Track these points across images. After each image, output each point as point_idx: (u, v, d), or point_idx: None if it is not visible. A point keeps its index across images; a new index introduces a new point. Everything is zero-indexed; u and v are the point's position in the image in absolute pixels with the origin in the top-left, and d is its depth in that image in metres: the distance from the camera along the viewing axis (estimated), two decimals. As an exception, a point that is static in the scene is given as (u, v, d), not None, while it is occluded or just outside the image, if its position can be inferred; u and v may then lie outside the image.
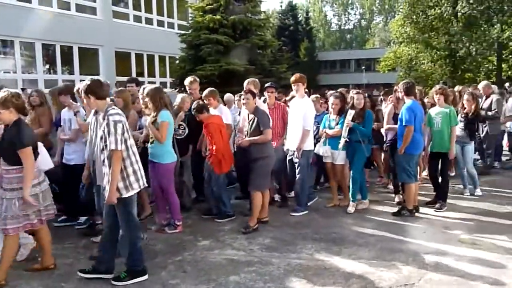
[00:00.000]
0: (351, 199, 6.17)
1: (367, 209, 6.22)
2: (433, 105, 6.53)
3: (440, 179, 6.34)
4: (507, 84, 8.85)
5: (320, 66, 49.40)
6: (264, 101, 6.39)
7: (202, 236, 5.19)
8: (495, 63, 31.21)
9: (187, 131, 6.09)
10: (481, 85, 8.75)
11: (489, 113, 8.16)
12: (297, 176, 6.08)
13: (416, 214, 5.91)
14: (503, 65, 31.36)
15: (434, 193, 6.41)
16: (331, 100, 6.50)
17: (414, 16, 31.23)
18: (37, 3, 15.65)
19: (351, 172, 6.17)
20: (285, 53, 26.85)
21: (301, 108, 5.98)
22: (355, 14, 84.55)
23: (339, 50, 66.77)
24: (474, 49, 28.83)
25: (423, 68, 32.41)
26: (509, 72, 31.77)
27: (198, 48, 15.90)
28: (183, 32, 17.83)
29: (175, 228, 5.37)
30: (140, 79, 19.64)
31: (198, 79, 6.83)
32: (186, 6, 19.92)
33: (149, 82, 20.70)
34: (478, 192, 6.84)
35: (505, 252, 4.59)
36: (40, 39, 15.74)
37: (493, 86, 8.94)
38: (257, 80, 6.48)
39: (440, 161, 6.27)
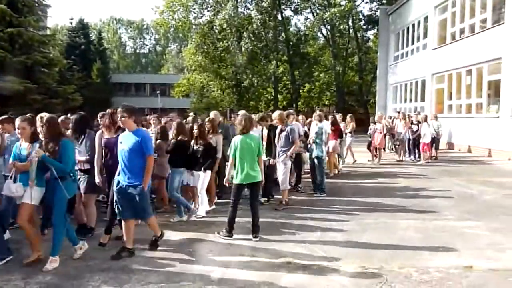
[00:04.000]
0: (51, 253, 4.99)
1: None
2: None
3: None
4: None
5: (115, 88, 48.17)
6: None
7: (-37, 284, 4.43)
8: (273, 94, 35.83)
9: None
10: (211, 114, 8.89)
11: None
12: None
13: (210, 236, 6.21)
14: (279, 96, 36.24)
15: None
16: (16, 123, 5.30)
17: (205, 47, 33.57)
18: None
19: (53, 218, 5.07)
20: (76, 72, 25.35)
21: None
22: (150, 39, 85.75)
23: (134, 73, 66.37)
24: (256, 81, 32.60)
25: (213, 95, 35.00)
26: (284, 103, 36.88)
27: (-36, 61, 13.74)
28: None
29: None
30: None
31: None
32: None
33: None
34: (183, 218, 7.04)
35: (280, 258, 5.22)
36: None
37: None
38: None
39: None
